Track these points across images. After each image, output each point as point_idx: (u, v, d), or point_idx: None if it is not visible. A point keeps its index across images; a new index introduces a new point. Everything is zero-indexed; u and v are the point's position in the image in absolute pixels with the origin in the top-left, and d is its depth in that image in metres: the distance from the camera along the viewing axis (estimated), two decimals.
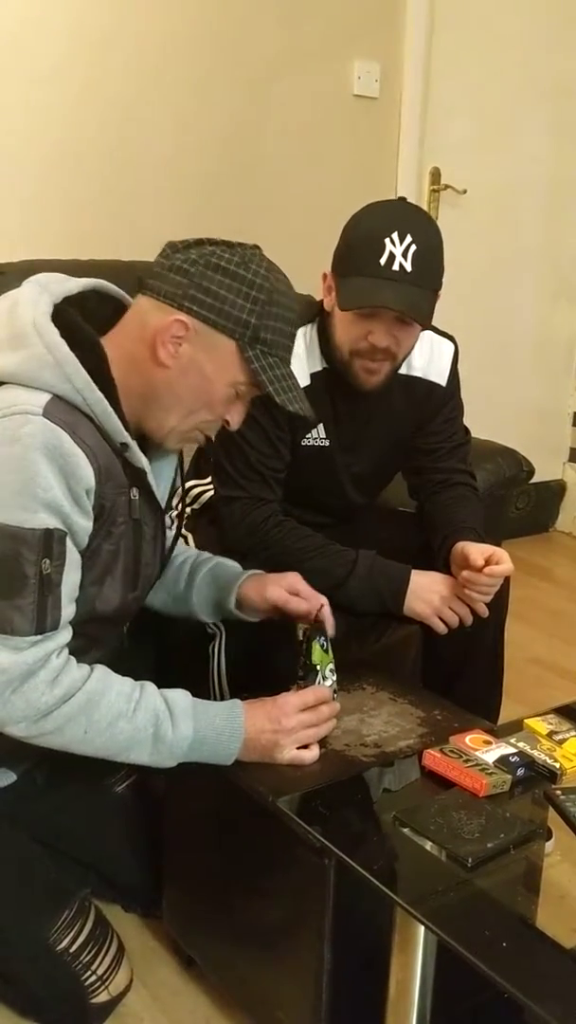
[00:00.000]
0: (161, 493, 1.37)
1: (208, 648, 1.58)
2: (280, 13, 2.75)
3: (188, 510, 1.86)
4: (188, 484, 1.89)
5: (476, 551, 1.57)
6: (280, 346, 1.27)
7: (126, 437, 1.22)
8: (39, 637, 1.16)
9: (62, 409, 1.15)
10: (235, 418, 1.32)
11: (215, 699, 1.54)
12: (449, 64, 3.10)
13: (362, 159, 3.02)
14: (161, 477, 1.38)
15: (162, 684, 1.31)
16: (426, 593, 1.62)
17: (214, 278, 1.22)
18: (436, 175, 3.17)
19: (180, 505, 1.49)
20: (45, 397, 1.15)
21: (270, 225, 2.77)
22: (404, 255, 1.48)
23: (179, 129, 2.63)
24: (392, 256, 1.48)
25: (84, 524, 1.19)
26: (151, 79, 2.56)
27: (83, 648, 1.28)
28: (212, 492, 1.79)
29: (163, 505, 1.38)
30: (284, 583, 1.46)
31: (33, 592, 1.14)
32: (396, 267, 1.48)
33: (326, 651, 1.39)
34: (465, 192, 3.20)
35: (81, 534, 1.20)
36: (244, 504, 1.65)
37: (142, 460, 1.26)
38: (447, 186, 3.18)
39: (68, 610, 1.20)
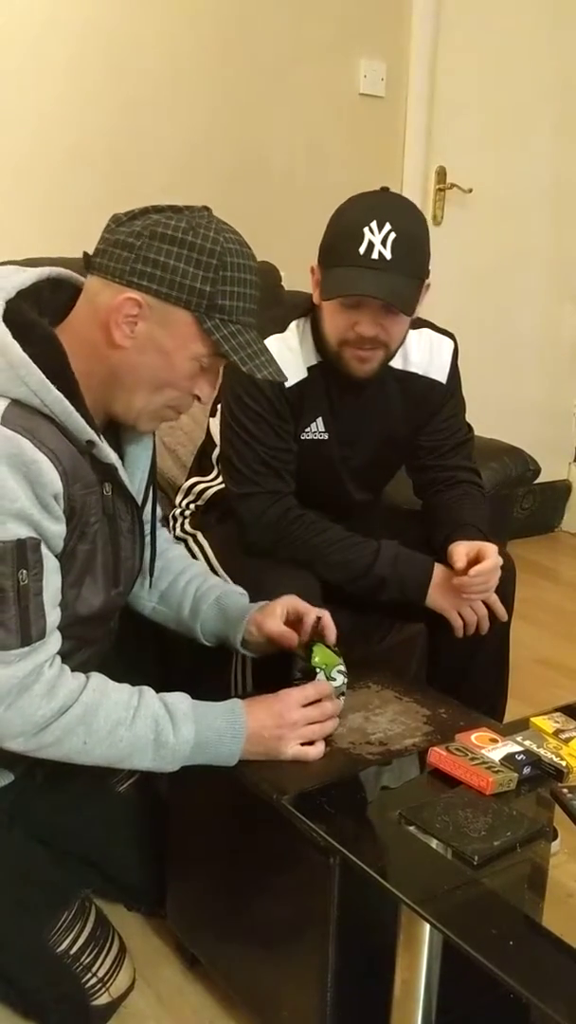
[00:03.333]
0: (136, 485, 1.34)
1: None
2: (286, 12, 2.75)
3: (192, 507, 1.86)
4: (191, 481, 1.89)
5: (461, 553, 1.56)
6: (241, 311, 1.21)
7: (91, 435, 1.18)
8: (27, 649, 1.15)
9: (20, 414, 1.12)
10: (205, 391, 1.26)
11: (236, 692, 1.54)
12: (455, 63, 3.09)
13: (368, 158, 3.01)
14: (137, 467, 1.35)
15: (168, 682, 1.30)
16: (449, 587, 1.61)
17: (161, 248, 1.16)
18: (442, 174, 3.15)
19: (152, 489, 1.43)
20: (2, 403, 1.11)
21: (275, 224, 2.77)
22: (383, 243, 1.47)
23: (185, 129, 2.63)
24: (371, 245, 1.47)
25: (56, 529, 1.16)
26: (158, 80, 2.56)
27: (73, 649, 1.28)
28: (216, 488, 1.78)
29: (139, 496, 1.35)
30: (280, 608, 1.42)
31: (13, 604, 1.13)
32: (375, 255, 1.47)
33: (337, 653, 1.38)
34: (471, 191, 3.18)
35: (55, 539, 1.17)
36: (260, 500, 1.64)
37: (111, 456, 1.23)
38: (453, 185, 3.17)
39: (53, 616, 1.19)
